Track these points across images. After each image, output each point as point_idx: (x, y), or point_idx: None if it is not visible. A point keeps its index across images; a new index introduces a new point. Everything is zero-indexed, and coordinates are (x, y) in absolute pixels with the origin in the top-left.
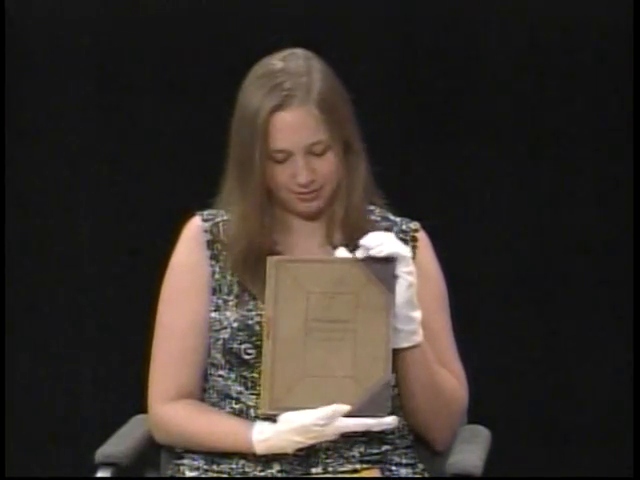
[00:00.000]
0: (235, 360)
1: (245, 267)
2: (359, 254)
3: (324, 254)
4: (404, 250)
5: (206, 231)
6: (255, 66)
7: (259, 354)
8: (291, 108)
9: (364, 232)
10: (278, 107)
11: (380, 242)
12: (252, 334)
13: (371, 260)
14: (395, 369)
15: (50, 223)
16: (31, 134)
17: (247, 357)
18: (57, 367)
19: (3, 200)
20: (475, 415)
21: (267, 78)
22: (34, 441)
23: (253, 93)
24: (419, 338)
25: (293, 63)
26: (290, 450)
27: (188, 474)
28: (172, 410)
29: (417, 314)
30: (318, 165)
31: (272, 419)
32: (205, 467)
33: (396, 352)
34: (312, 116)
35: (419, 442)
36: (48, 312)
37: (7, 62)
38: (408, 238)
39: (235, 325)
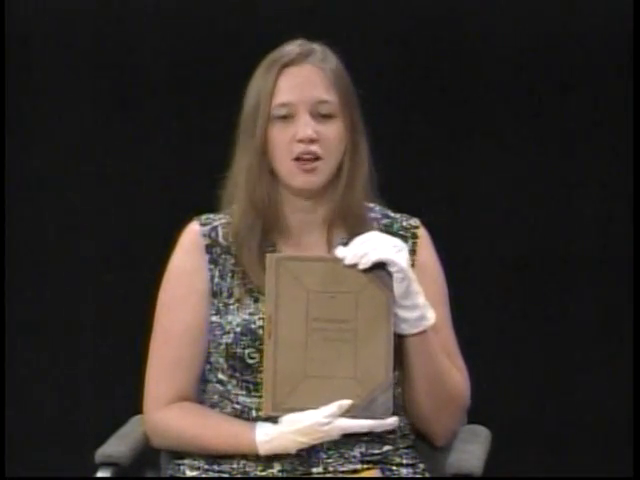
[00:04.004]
0: (239, 364)
1: (249, 253)
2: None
3: (324, 251)
4: (389, 253)
5: (204, 235)
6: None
7: (262, 358)
8: (301, 65)
9: (365, 228)
10: (289, 63)
11: (364, 253)
12: (255, 338)
13: None
14: (400, 360)
15: (49, 226)
16: (31, 133)
17: (251, 361)
18: (57, 367)
19: (3, 201)
20: (475, 415)
21: (279, 52)
22: (34, 441)
23: (265, 62)
24: (428, 322)
25: (306, 44)
26: (293, 450)
27: (188, 474)
28: (168, 414)
29: (419, 300)
30: (322, 130)
31: (274, 420)
32: (206, 467)
33: (403, 340)
34: (322, 76)
35: (420, 440)
36: (48, 312)
37: (7, 61)
38: (409, 235)
39: (238, 330)
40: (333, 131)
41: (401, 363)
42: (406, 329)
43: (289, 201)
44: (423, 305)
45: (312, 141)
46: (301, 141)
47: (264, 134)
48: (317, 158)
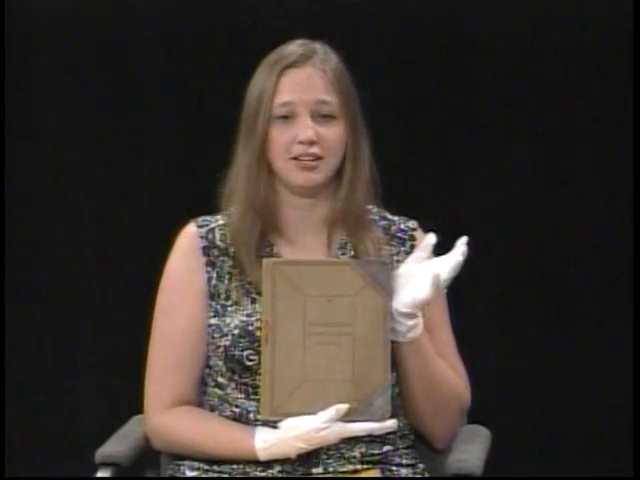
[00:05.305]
0: (237, 367)
1: (248, 254)
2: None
3: (323, 254)
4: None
5: (202, 237)
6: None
7: (261, 361)
8: (302, 66)
9: (365, 229)
10: (291, 65)
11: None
12: (254, 340)
13: (367, 262)
14: (394, 364)
15: (48, 227)
16: (30, 134)
17: (249, 363)
18: (57, 367)
19: (3, 201)
20: (475, 415)
21: (280, 52)
22: (34, 441)
23: (267, 62)
24: (415, 335)
25: (308, 44)
26: (292, 455)
27: (188, 474)
28: (169, 418)
29: (416, 318)
30: (323, 131)
31: (272, 424)
32: (206, 467)
33: (393, 344)
34: (323, 77)
35: (420, 441)
36: (48, 312)
37: (7, 61)
38: (406, 237)
39: (236, 332)
40: (333, 132)
41: (396, 367)
42: (393, 338)
43: (288, 200)
44: (416, 320)
45: (312, 143)
46: (301, 143)
47: (265, 134)
48: (318, 158)
